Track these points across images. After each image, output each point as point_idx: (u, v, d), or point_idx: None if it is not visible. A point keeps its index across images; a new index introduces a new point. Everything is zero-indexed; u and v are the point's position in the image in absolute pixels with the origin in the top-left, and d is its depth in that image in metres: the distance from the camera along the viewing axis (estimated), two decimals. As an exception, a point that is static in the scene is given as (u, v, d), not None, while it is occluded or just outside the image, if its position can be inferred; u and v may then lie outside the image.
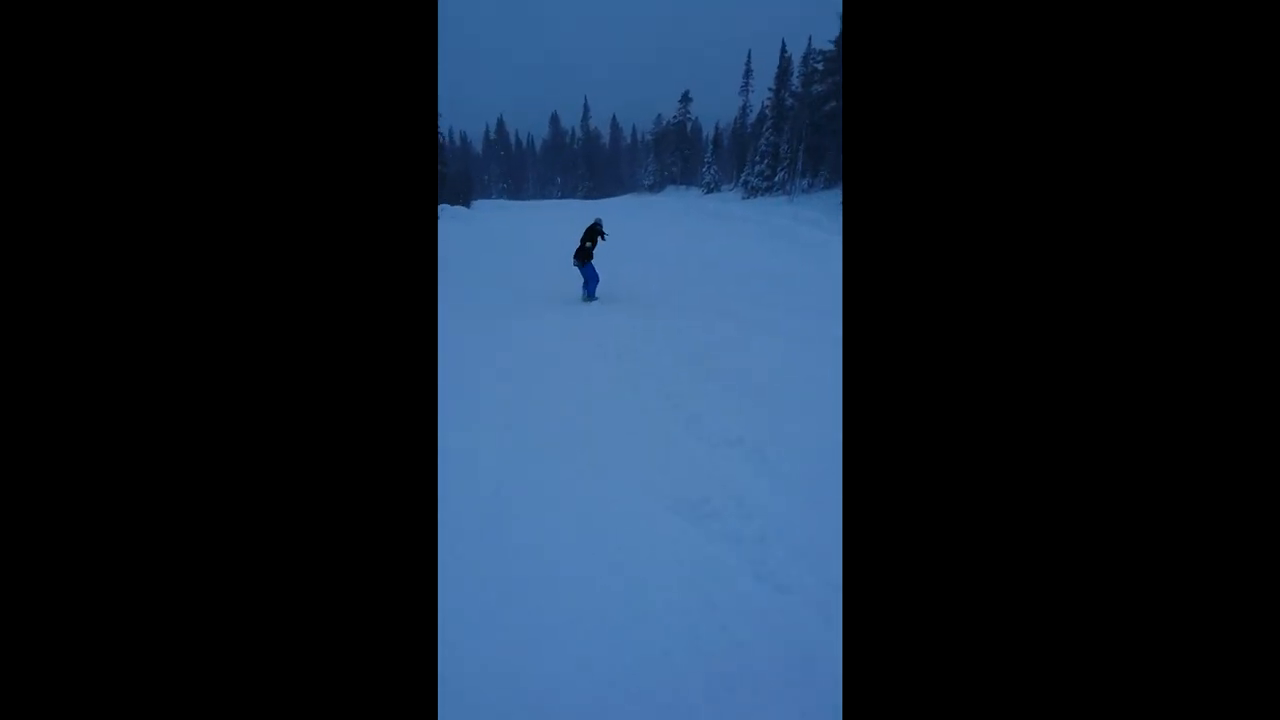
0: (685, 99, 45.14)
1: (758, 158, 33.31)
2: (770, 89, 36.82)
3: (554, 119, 61.34)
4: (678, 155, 46.94)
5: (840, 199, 27.53)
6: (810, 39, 32.32)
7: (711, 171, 40.28)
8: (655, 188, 48.72)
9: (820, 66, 29.65)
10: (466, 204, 29.64)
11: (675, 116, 46.33)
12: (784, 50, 33.48)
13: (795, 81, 32.85)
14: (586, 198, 50.63)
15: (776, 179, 31.71)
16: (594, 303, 7.48)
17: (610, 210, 27.94)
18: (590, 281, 7.47)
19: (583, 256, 7.37)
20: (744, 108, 40.36)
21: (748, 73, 39.24)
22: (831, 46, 29.35)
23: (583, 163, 57.57)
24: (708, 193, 40.11)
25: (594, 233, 7.52)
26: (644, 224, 18.75)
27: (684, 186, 46.54)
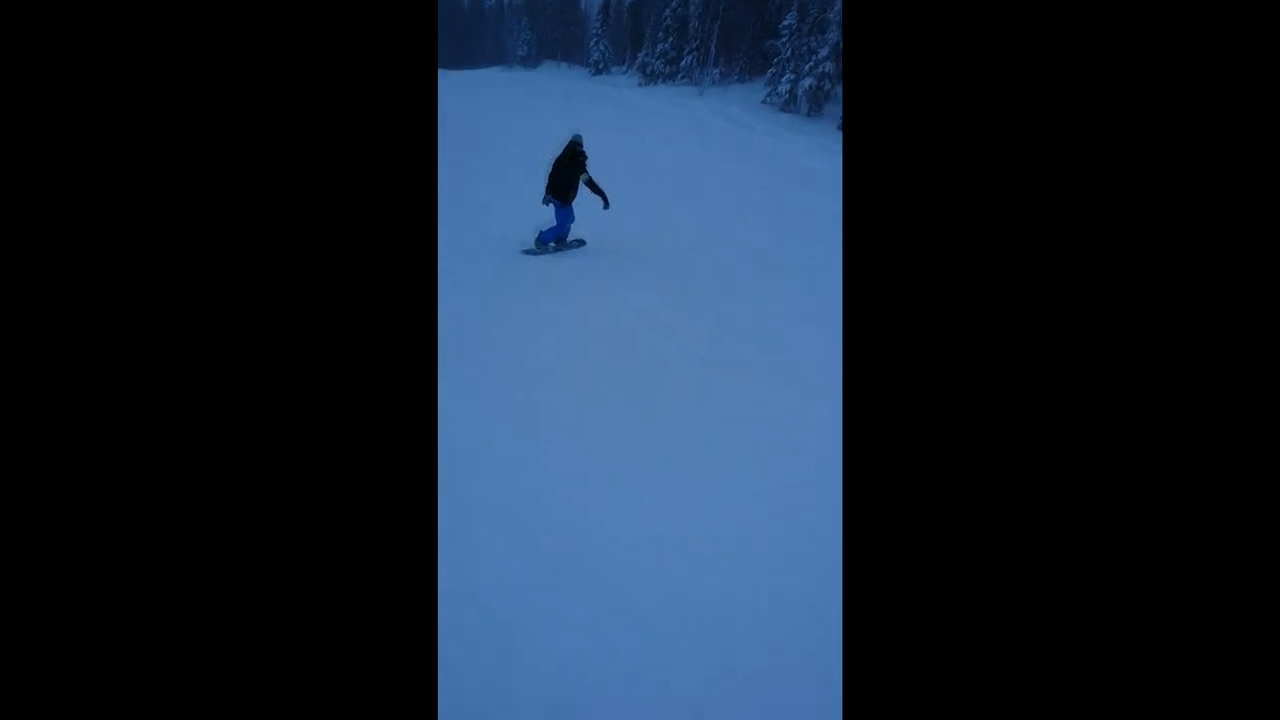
0: (567, -52, 37.07)
1: (661, 34, 27.92)
2: (671, -52, 30.76)
3: (395, -42, 48.63)
4: (558, 22, 39.28)
5: (760, 95, 23.89)
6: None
7: (600, 48, 33.94)
8: (530, 61, 40.94)
9: (740, -78, 24.47)
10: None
11: (554, -28, 38.16)
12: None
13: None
14: (441, 68, 41.61)
15: (682, 64, 26.87)
16: (555, 257, 5.07)
17: (480, 88, 22.02)
18: (561, 224, 5.07)
19: (562, 193, 4.90)
20: (638, -31, 33.75)
21: (644, -77, 32.33)
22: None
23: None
24: (596, 74, 34.04)
25: (575, 158, 4.90)
26: (536, 116, 13.92)
27: (565, 64, 39.57)
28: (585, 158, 4.89)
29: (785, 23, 21.30)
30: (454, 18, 48.79)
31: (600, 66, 34.04)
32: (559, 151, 4.89)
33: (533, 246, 4.99)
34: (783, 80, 20.92)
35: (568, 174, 4.83)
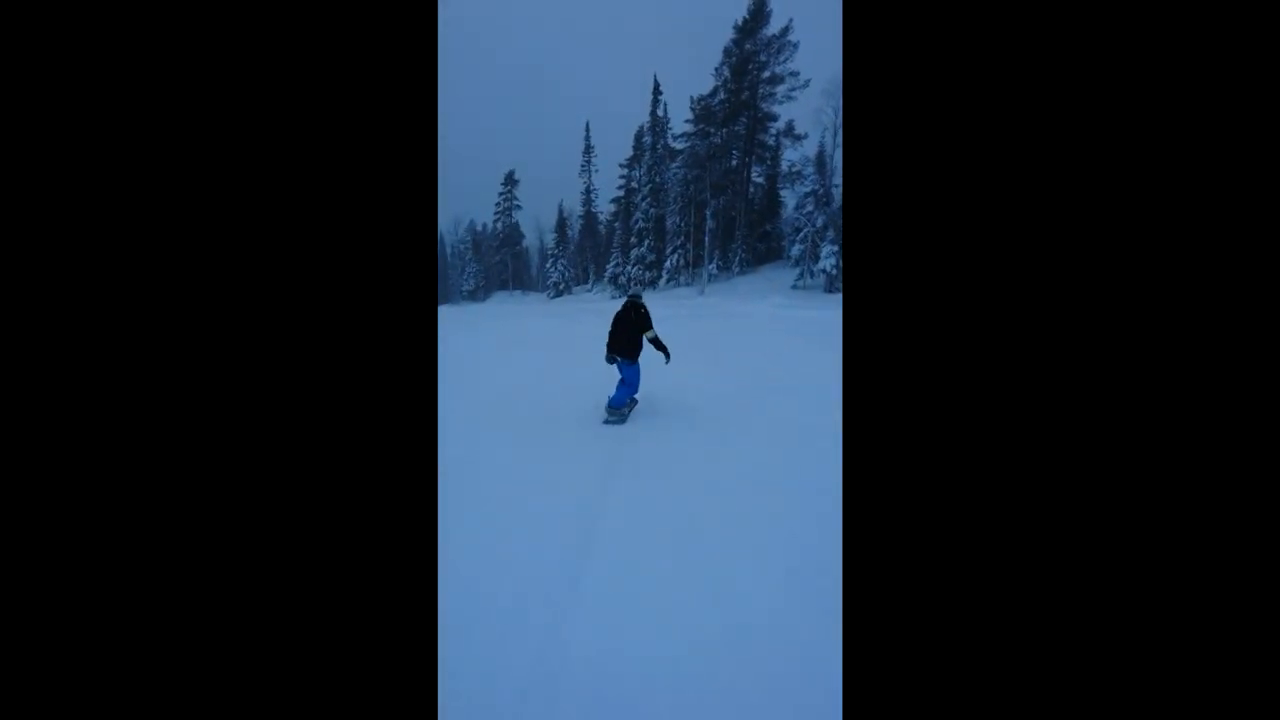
0: (510, 181, 35.57)
1: (634, 239, 23.93)
2: (622, 165, 28.79)
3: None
4: (507, 253, 36.35)
5: (786, 279, 18.79)
6: (658, 92, 25.17)
7: (559, 267, 30.09)
8: (477, 294, 37.14)
9: (695, 114, 21.95)
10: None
11: (498, 206, 36.28)
12: (656, 94, 25.35)
13: (662, 145, 24.94)
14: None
15: (667, 265, 22.34)
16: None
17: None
18: (629, 385, 4.36)
19: (630, 351, 4.33)
20: (588, 191, 31.70)
21: (588, 149, 30.99)
22: (709, 96, 22.17)
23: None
24: (556, 295, 29.65)
25: (636, 312, 4.34)
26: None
27: (518, 292, 35.76)
28: (647, 313, 4.34)
29: (805, 190, 16.92)
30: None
31: (561, 287, 29.89)
32: (619, 310, 4.50)
33: (609, 416, 4.31)
34: (823, 255, 15.80)
35: (630, 330, 4.30)
